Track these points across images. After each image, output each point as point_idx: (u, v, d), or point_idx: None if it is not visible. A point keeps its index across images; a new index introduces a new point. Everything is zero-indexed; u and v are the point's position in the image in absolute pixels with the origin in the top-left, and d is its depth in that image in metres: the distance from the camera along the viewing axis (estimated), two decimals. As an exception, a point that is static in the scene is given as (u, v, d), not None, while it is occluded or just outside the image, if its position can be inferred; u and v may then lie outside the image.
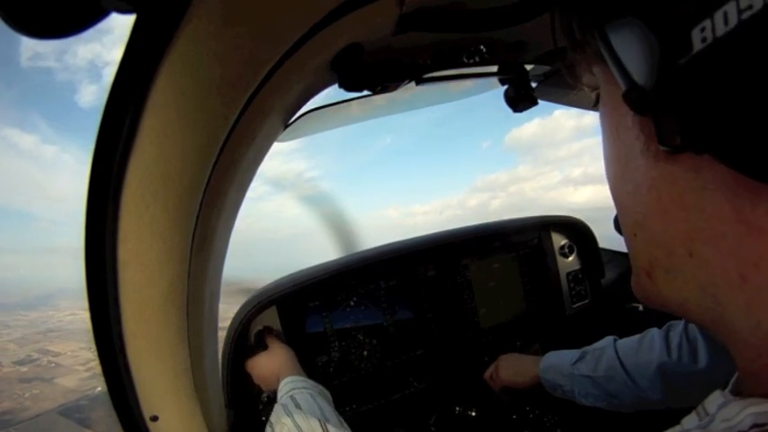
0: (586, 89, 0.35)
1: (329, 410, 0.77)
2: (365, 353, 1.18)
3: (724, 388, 0.29)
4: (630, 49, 0.25)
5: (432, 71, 0.70)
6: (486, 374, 1.16)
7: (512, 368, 1.10)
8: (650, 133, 0.26)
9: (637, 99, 0.25)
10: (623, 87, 0.25)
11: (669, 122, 0.24)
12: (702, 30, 0.21)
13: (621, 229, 0.33)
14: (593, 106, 0.34)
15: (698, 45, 0.21)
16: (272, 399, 1.07)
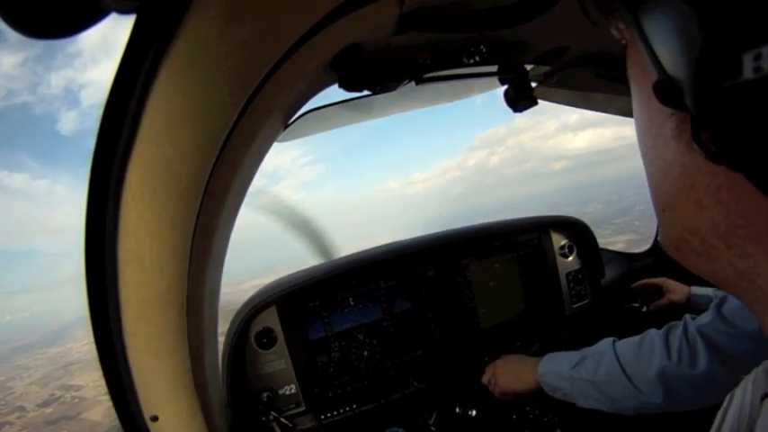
0: (613, 32, 0.32)
1: None
2: (365, 353, 1.18)
3: (725, 393, 0.29)
4: (664, 32, 0.22)
5: (432, 71, 0.70)
6: (485, 380, 1.16)
7: (510, 375, 1.10)
8: (684, 120, 0.24)
9: (667, 94, 0.23)
10: (653, 75, 0.23)
11: (705, 128, 0.22)
12: (757, 57, 0.18)
13: (653, 203, 0.31)
14: (596, 87, 0.33)
15: (749, 73, 0.19)
16: (272, 398, 1.07)
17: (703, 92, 0.21)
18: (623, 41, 0.31)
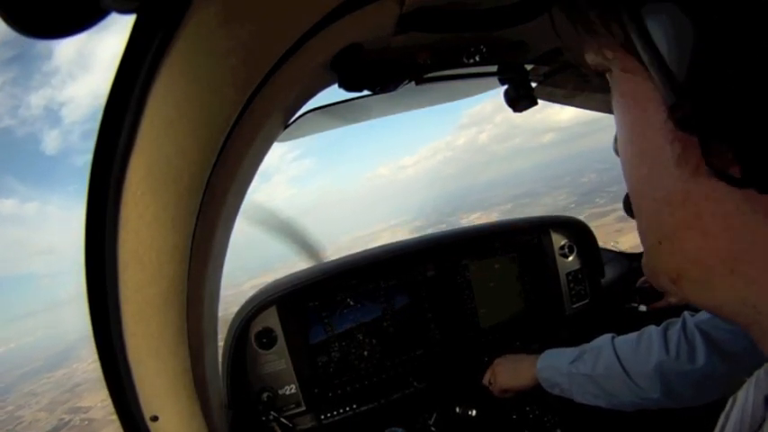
0: (591, 56, 0.30)
1: None
2: (365, 353, 1.18)
3: (723, 389, 0.29)
4: (669, 44, 0.21)
5: (432, 71, 0.70)
6: (485, 380, 1.16)
7: (509, 372, 1.10)
8: (690, 144, 0.23)
9: (685, 117, 0.22)
10: (667, 99, 0.22)
11: (724, 149, 0.21)
12: None
13: (641, 234, 0.30)
14: (597, 87, 0.32)
15: None
16: (272, 398, 1.07)
17: (729, 112, 0.20)
18: (600, 69, 0.29)
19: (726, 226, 0.24)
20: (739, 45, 0.19)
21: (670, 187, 0.25)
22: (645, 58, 0.23)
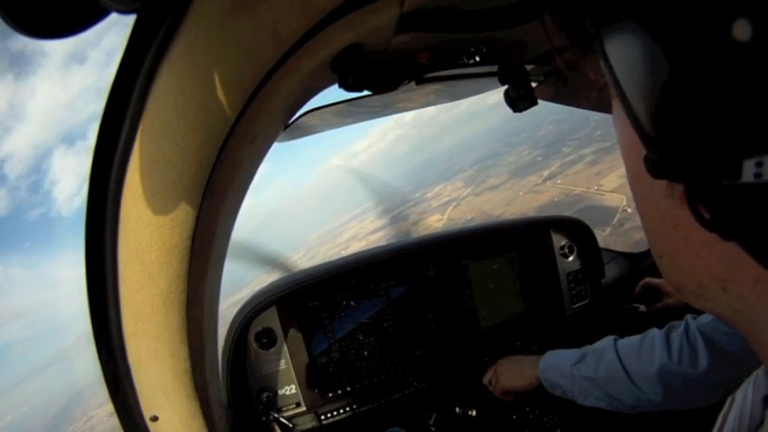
0: (592, 76, 0.31)
1: None
2: (365, 353, 1.18)
3: (724, 393, 0.29)
4: (636, 80, 0.22)
5: (432, 71, 0.70)
6: (485, 379, 1.16)
7: (511, 372, 1.10)
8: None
9: (658, 168, 0.23)
10: (642, 148, 0.23)
11: (698, 200, 0.22)
12: (759, 164, 0.19)
13: (648, 240, 0.32)
14: (597, 87, 0.32)
15: (749, 177, 0.19)
16: (272, 399, 1.07)
17: (703, 185, 0.22)
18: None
19: (713, 252, 0.25)
20: (719, 90, 0.19)
21: (663, 210, 0.27)
22: (613, 93, 0.23)
